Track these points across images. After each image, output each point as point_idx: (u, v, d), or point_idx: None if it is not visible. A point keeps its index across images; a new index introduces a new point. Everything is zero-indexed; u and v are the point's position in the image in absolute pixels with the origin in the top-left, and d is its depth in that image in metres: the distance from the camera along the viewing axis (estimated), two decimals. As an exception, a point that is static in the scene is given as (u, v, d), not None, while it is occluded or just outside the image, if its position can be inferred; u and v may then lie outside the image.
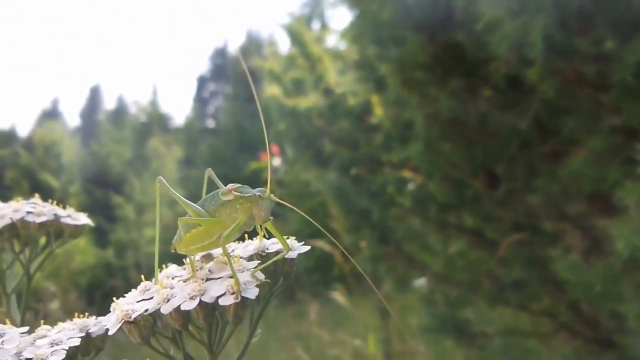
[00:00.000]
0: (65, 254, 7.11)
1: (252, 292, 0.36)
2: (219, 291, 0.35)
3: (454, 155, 1.88)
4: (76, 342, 0.38)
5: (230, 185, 0.43)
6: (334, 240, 0.44)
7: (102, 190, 9.81)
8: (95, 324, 0.41)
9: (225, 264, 0.39)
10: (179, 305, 0.35)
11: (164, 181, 0.46)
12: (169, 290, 0.37)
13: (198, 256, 0.45)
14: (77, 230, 0.46)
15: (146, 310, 0.36)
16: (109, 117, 12.73)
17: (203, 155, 9.09)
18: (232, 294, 0.35)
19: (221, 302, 0.35)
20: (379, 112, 2.29)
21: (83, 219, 0.48)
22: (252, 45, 9.83)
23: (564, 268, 1.68)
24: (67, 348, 0.37)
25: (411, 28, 1.65)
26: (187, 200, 0.44)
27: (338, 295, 3.22)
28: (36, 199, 0.45)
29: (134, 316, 0.36)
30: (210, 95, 11.98)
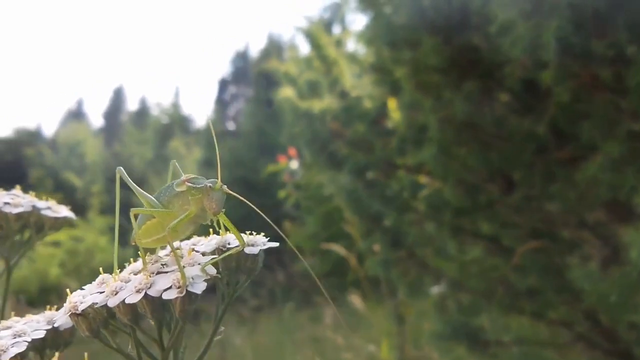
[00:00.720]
0: (86, 252, 7.22)
1: (199, 287, 0.35)
2: (165, 284, 0.34)
3: (469, 160, 1.86)
4: (40, 334, 0.37)
5: (184, 176, 0.42)
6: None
7: (124, 190, 9.93)
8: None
9: (181, 257, 0.38)
10: (126, 299, 0.34)
11: (123, 171, 0.46)
12: (119, 283, 0.36)
13: (165, 251, 0.45)
14: (58, 223, 0.46)
15: (96, 302, 0.35)
16: (132, 119, 12.91)
17: (223, 157, 9.17)
18: (178, 287, 0.34)
19: (165, 295, 0.34)
20: (395, 115, 2.27)
21: (64, 211, 0.47)
22: (273, 49, 9.88)
23: (580, 277, 1.64)
24: (29, 340, 0.36)
25: (426, 30, 1.63)
26: (143, 191, 0.44)
27: (354, 300, 3.20)
28: (17, 190, 0.45)
29: (81, 308, 0.35)
30: (231, 98, 12.08)
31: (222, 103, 11.94)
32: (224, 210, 0.41)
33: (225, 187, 0.41)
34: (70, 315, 0.36)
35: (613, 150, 1.28)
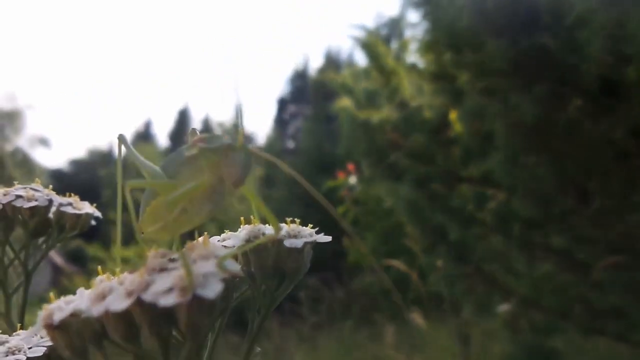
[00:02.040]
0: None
1: (213, 289, 0.23)
2: (164, 285, 0.23)
3: (540, 169, 1.74)
4: (39, 351, 0.28)
5: (198, 136, 0.30)
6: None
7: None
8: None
9: (193, 249, 0.26)
10: (111, 306, 0.23)
11: (126, 138, 0.34)
12: (110, 283, 0.25)
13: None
14: (80, 221, 0.39)
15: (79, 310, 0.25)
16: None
17: (283, 175, 9.27)
18: (181, 289, 0.23)
19: (161, 301, 0.23)
20: (457, 126, 2.18)
21: (87, 207, 0.39)
22: (331, 66, 9.94)
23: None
24: (23, 359, 0.28)
25: (489, 32, 1.55)
26: (146, 161, 0.33)
27: (415, 318, 3.08)
28: (36, 184, 0.39)
29: (57, 318, 0.25)
30: (290, 116, 12.25)
31: (281, 122, 12.13)
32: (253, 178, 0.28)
33: (252, 146, 0.29)
34: (45, 328, 0.25)
35: None
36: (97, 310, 0.24)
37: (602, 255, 1.91)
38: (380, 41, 2.72)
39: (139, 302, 0.23)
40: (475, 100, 1.72)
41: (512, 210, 1.98)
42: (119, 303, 0.23)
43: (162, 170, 0.32)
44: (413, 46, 2.78)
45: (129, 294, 0.23)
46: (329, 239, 0.32)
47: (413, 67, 2.53)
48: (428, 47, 1.87)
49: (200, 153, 0.29)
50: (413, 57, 2.91)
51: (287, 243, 0.30)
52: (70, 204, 0.38)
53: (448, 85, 2.05)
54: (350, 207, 4.16)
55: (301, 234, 0.31)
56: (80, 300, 0.25)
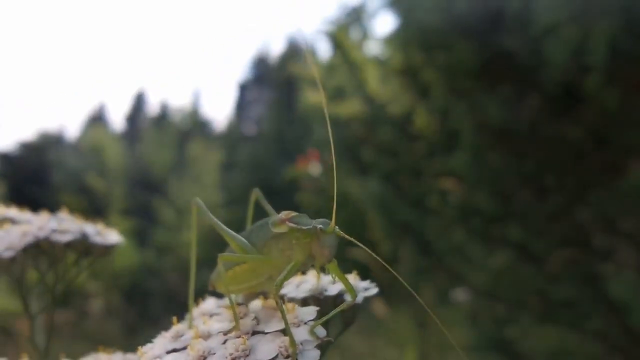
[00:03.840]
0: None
1: (312, 356, 0.27)
2: (269, 353, 0.26)
3: (502, 166, 1.81)
4: None
5: (283, 214, 0.34)
6: (370, 252, 0.35)
7: (144, 193, 10.06)
8: None
9: (276, 309, 0.30)
10: None
11: (201, 203, 0.38)
12: (204, 343, 0.28)
13: (240, 297, 0.38)
14: (107, 250, 0.41)
15: None
16: (153, 122, 13.03)
17: (243, 160, 9.20)
18: (286, 357, 0.26)
19: None
20: (421, 120, 2.23)
21: (113, 237, 0.42)
22: (293, 52, 9.88)
23: (619, 288, 1.59)
24: None
25: (460, 35, 1.59)
26: (228, 229, 0.36)
27: (376, 306, 3.16)
28: (63, 213, 0.40)
29: None
30: (251, 101, 12.11)
31: (242, 107, 11.98)
32: (334, 260, 0.32)
33: (338, 228, 0.32)
34: None
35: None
36: None
37: (556, 249, 2.01)
38: (346, 34, 2.73)
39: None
40: (443, 99, 1.77)
41: (474, 204, 2.05)
42: None
43: (246, 238, 0.35)
44: (381, 37, 2.81)
45: (235, 359, 0.26)
46: (376, 291, 0.37)
47: (380, 62, 2.57)
48: (399, 45, 1.91)
49: (290, 232, 0.32)
50: (376, 48, 2.94)
51: (349, 298, 0.34)
52: (99, 234, 0.38)
53: (415, 81, 2.09)
54: (312, 196, 4.19)
55: (359, 290, 0.35)
56: (176, 356, 0.28)
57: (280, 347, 0.27)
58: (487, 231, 2.13)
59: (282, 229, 0.33)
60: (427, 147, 2.14)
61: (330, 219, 0.32)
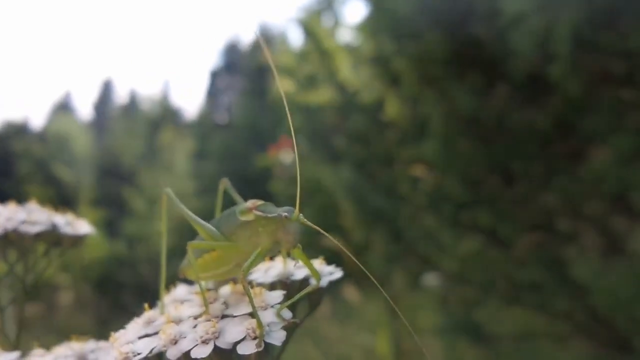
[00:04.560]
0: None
1: (278, 337, 0.29)
2: (238, 335, 0.28)
3: (471, 153, 1.85)
4: None
5: (250, 202, 0.35)
6: (339, 244, 0.37)
7: (114, 183, 9.89)
8: (92, 350, 0.35)
9: (244, 294, 0.32)
10: (189, 351, 0.28)
11: (171, 193, 0.39)
12: (177, 328, 0.29)
13: (210, 283, 0.39)
14: (78, 240, 0.41)
15: (151, 351, 0.29)
16: (121, 111, 12.79)
17: (215, 149, 9.11)
18: (254, 339, 0.28)
19: (240, 350, 0.28)
20: (392, 108, 2.25)
21: (84, 227, 0.42)
22: (264, 40, 9.81)
23: (583, 271, 1.64)
24: None
25: (429, 23, 1.61)
26: (197, 218, 0.37)
27: (348, 292, 3.19)
28: (32, 204, 0.40)
29: None
30: (223, 89, 11.97)
31: (213, 95, 11.85)
32: (299, 246, 0.34)
33: (302, 216, 0.34)
34: None
35: (623, 145, 1.28)
36: (172, 354, 0.27)
37: (523, 233, 2.07)
38: (317, 22, 2.73)
39: (217, 349, 0.28)
40: (414, 88, 1.79)
41: (444, 191, 2.09)
42: (200, 350, 0.27)
43: (215, 227, 0.36)
44: (353, 25, 2.81)
45: (205, 341, 0.27)
46: (341, 274, 0.38)
47: (351, 49, 2.57)
48: (371, 34, 1.91)
49: (256, 220, 0.34)
50: (347, 36, 2.95)
51: (315, 282, 0.35)
52: (69, 225, 0.38)
53: (387, 70, 2.11)
54: (285, 184, 4.19)
55: (322, 273, 0.36)
56: (148, 341, 0.29)
57: (248, 329, 0.29)
58: (456, 217, 2.17)
59: (249, 217, 0.34)
60: (398, 134, 2.16)
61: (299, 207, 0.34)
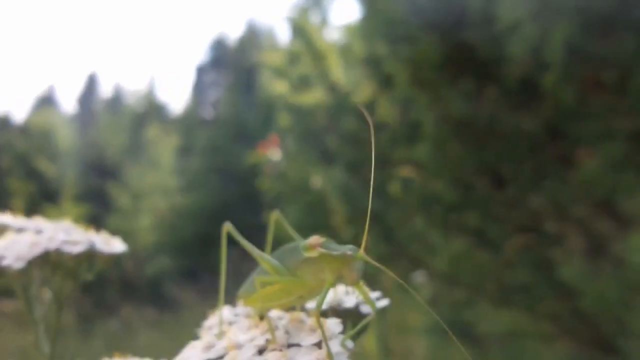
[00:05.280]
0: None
1: None
2: None
3: (462, 156, 1.87)
4: None
5: (313, 239, 0.37)
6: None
7: (98, 178, 9.79)
8: None
9: (300, 322, 0.35)
10: None
11: (232, 227, 0.42)
12: (243, 354, 0.31)
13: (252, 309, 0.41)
14: (111, 258, 0.42)
15: None
16: (106, 105, 12.64)
17: (200, 145, 9.06)
18: None
19: None
20: (384, 110, 2.26)
21: (118, 245, 0.43)
22: (252, 37, 9.75)
23: (571, 273, 1.68)
24: None
25: (423, 27, 1.62)
26: (262, 253, 0.40)
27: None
28: (67, 223, 0.41)
29: None
30: (209, 85, 11.90)
31: (199, 90, 11.76)
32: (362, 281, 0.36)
33: (364, 254, 0.36)
34: None
35: (613, 151, 1.31)
36: None
37: (512, 235, 2.10)
38: (309, 21, 2.73)
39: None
40: (406, 91, 1.81)
41: (435, 193, 2.11)
42: None
43: (278, 260, 0.39)
44: (339, 25, 2.82)
45: None
46: (387, 302, 0.40)
47: (344, 50, 2.58)
48: (364, 35, 1.92)
49: (321, 257, 0.36)
50: (339, 36, 2.95)
51: (364, 309, 0.39)
52: (106, 243, 0.39)
53: (379, 71, 2.12)
54: (273, 182, 4.19)
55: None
56: None
57: (318, 358, 0.30)
58: (446, 218, 2.20)
59: (313, 254, 0.36)
60: (390, 136, 2.18)
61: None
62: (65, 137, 10.97)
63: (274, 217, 0.44)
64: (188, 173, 9.27)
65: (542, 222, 2.10)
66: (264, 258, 0.39)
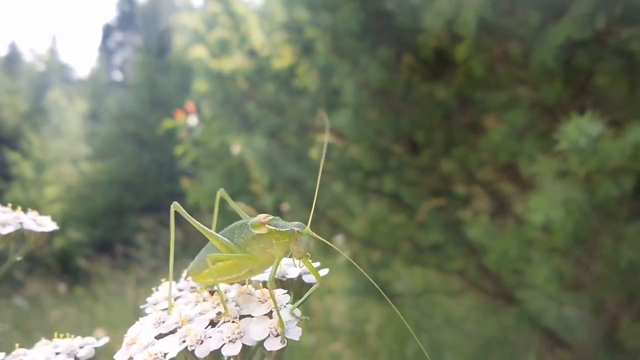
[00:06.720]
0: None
1: (295, 333, 0.34)
2: (262, 334, 0.33)
3: (380, 123, 1.93)
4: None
5: (261, 217, 0.40)
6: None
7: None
8: (82, 345, 0.36)
9: (249, 294, 0.37)
10: (219, 349, 0.32)
11: (180, 207, 0.42)
12: (200, 329, 0.33)
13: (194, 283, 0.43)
14: (42, 237, 0.41)
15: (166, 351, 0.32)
16: (1, 65, 11.59)
17: (111, 110, 8.59)
18: (277, 336, 0.33)
19: (267, 347, 0.32)
20: (304, 77, 2.27)
21: (49, 224, 0.42)
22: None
23: (477, 232, 1.81)
24: None
25: (343, -6, 1.63)
26: (211, 231, 0.41)
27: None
28: None
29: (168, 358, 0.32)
30: (117, 45, 11.21)
31: (107, 51, 11.06)
32: (308, 254, 0.39)
33: (310, 230, 0.39)
34: None
35: (516, 120, 1.41)
36: (200, 352, 0.31)
37: (425, 198, 2.21)
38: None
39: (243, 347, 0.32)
40: (327, 59, 1.82)
41: (353, 159, 2.17)
42: (230, 348, 0.31)
43: (227, 237, 0.41)
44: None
45: (232, 340, 0.32)
46: (327, 271, 0.42)
47: (263, 14, 2.54)
48: (284, 2, 1.90)
49: (270, 233, 0.38)
50: (259, 1, 2.89)
51: (306, 279, 0.42)
52: (34, 221, 0.38)
53: (299, 37, 2.11)
54: (189, 149, 4.10)
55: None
56: (171, 340, 0.32)
57: (270, 327, 0.33)
58: (365, 184, 2.27)
59: (262, 231, 0.39)
60: (310, 103, 2.20)
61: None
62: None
63: (219, 194, 0.45)
64: (98, 140, 8.80)
65: (453, 185, 2.23)
66: (214, 236, 0.41)
